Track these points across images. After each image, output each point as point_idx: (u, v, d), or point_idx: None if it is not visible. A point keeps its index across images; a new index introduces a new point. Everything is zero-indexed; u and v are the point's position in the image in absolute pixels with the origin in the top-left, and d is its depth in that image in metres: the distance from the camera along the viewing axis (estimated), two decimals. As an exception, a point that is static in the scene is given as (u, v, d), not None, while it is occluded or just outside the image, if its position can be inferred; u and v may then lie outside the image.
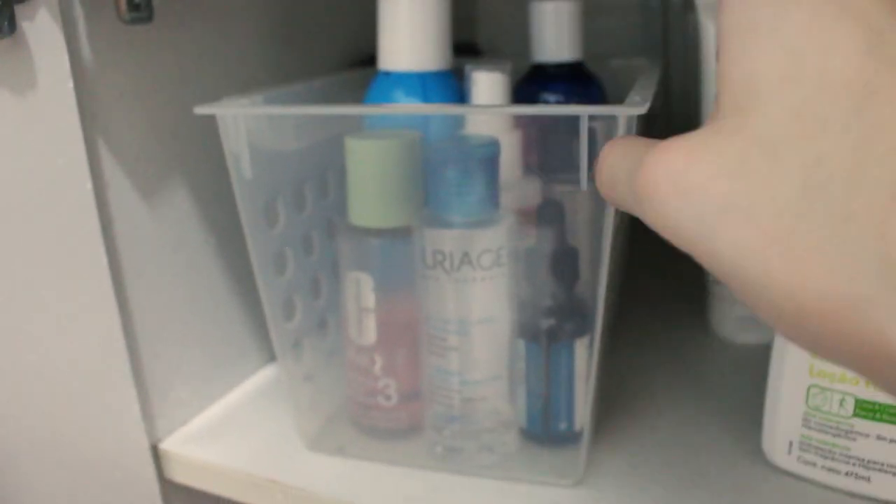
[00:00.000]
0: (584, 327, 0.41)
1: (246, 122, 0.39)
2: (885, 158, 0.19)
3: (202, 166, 0.49)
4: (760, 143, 0.21)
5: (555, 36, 0.51)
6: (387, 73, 0.46)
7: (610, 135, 0.34)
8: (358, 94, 0.48)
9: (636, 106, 0.34)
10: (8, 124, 0.37)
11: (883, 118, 0.19)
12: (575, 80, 0.52)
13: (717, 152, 0.22)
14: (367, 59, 0.55)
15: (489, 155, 0.39)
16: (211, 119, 0.40)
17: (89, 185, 0.41)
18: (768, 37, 0.22)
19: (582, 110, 0.34)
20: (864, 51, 0.20)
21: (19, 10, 0.37)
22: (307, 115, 0.43)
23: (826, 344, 0.20)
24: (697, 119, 0.56)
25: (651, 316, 0.60)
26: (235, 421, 0.50)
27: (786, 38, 0.21)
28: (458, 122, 0.43)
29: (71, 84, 0.40)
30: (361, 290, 0.43)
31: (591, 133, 0.35)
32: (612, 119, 0.34)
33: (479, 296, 0.39)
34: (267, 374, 0.56)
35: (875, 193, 0.19)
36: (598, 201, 0.46)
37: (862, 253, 0.19)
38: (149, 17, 0.43)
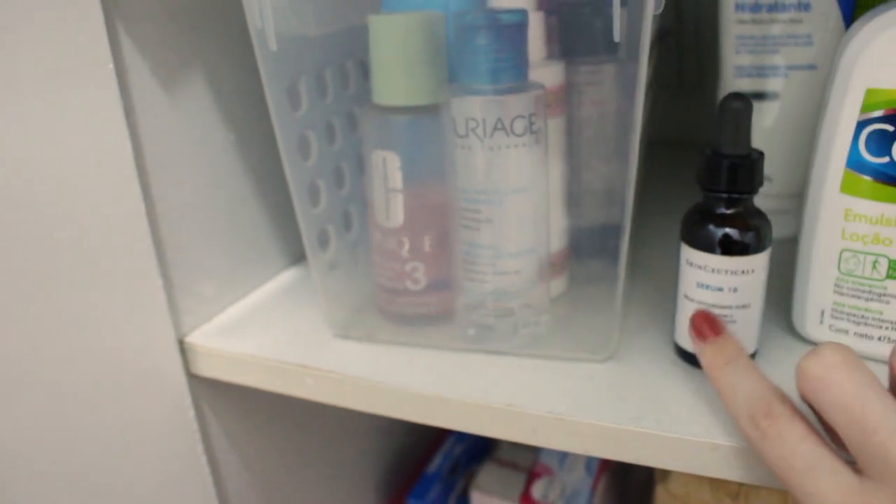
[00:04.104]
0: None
1: (270, -3, 0.39)
2: None
3: (220, 61, 0.48)
4: None
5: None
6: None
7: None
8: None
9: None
10: (31, 3, 0.36)
11: None
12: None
13: None
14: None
15: (518, 20, 0.38)
16: (229, 9, 0.40)
17: (111, 66, 0.41)
18: None
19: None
20: None
21: None
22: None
23: None
24: (712, 31, 0.56)
25: (677, 195, 0.60)
26: (260, 316, 0.50)
27: None
28: (480, 2, 0.43)
29: (90, -39, 0.39)
30: (388, 169, 0.42)
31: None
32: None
33: (512, 163, 0.39)
34: (288, 276, 0.56)
35: None
36: (621, 80, 0.46)
37: None
38: None
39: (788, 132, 0.55)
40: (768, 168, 0.55)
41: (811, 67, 0.53)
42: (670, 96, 0.82)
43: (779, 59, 0.54)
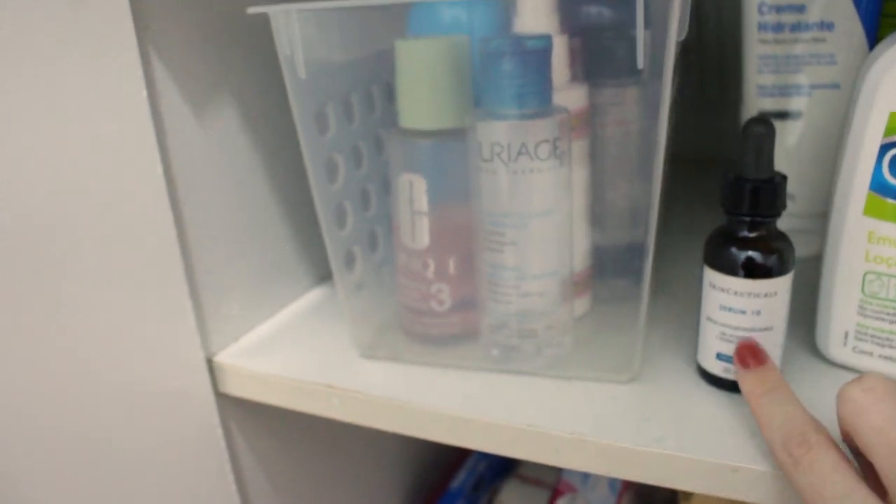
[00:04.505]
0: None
1: (298, 22, 0.40)
2: None
3: (249, 85, 0.49)
4: None
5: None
6: (431, -16, 0.46)
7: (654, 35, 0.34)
8: (401, 13, 0.48)
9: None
10: (65, 29, 0.38)
11: None
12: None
13: None
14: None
15: (543, 46, 0.39)
16: (257, 36, 0.41)
17: (144, 93, 0.42)
18: None
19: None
20: None
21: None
22: (354, 21, 0.43)
23: None
24: (734, 50, 0.56)
25: (700, 212, 0.60)
26: (287, 336, 0.51)
27: None
28: (505, 26, 0.44)
29: (124, -11, 0.40)
30: (415, 192, 0.43)
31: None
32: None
33: (536, 187, 0.40)
34: (314, 296, 0.57)
35: None
36: (643, 102, 0.46)
37: None
38: (195, -71, 0.43)
39: (812, 151, 0.55)
40: (792, 187, 0.56)
41: (835, 86, 0.53)
42: (692, 112, 0.82)
43: (802, 79, 0.54)
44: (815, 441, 0.32)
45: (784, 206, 0.39)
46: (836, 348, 0.42)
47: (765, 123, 0.37)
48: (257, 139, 0.50)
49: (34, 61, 0.36)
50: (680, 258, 0.56)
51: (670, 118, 0.47)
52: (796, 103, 0.54)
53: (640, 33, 0.34)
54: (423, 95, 0.42)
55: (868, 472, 0.31)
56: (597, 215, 0.48)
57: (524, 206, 0.40)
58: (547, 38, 0.39)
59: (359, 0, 0.38)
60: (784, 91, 0.54)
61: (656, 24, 0.35)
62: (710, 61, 0.80)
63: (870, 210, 0.39)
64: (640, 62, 0.35)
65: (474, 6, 0.45)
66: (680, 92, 0.61)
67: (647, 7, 0.35)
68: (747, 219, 0.39)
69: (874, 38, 0.52)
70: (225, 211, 0.48)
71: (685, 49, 0.72)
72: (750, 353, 0.38)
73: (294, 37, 0.40)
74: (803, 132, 0.55)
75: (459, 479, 0.75)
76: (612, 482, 0.71)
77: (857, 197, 0.39)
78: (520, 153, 0.39)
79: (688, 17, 0.35)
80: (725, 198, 0.39)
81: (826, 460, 0.31)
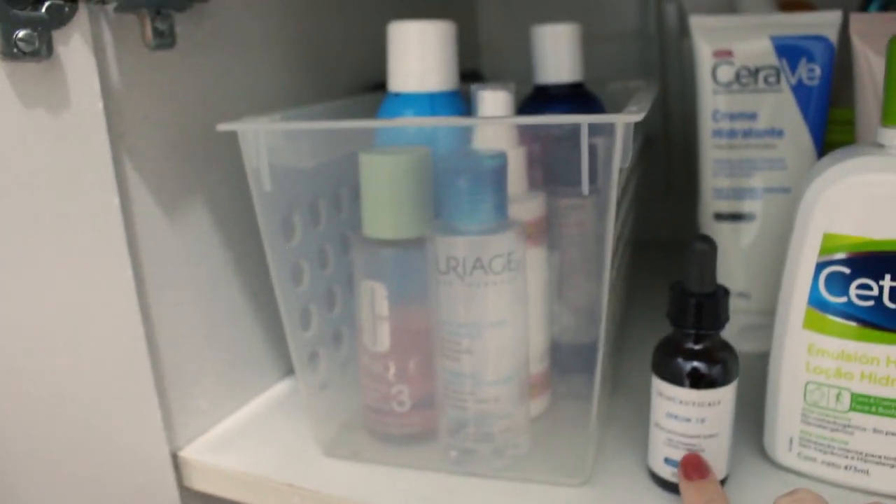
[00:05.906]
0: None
1: (265, 138, 0.42)
2: None
3: (221, 187, 0.51)
4: None
5: (556, 57, 0.54)
6: (396, 95, 0.48)
7: (610, 144, 0.37)
8: (369, 116, 0.51)
9: (633, 114, 0.36)
10: (43, 141, 0.39)
11: None
12: (576, 100, 0.55)
13: None
14: (377, 86, 0.58)
15: (498, 165, 0.41)
16: (229, 141, 0.43)
17: (116, 201, 0.43)
18: None
19: (581, 119, 0.36)
20: None
21: (56, 35, 0.39)
22: (322, 132, 0.45)
23: None
24: (694, 142, 0.59)
25: (657, 319, 0.61)
26: (252, 431, 0.52)
27: None
28: (466, 138, 0.46)
29: (101, 105, 0.42)
30: (376, 298, 0.45)
31: (592, 145, 0.37)
32: (610, 128, 0.36)
33: (491, 299, 0.41)
34: (282, 388, 0.58)
35: None
36: (599, 207, 0.48)
37: None
38: (171, 44, 0.46)
39: (766, 251, 0.57)
40: (747, 285, 0.58)
41: (786, 190, 0.56)
42: (661, 197, 0.84)
43: (755, 182, 0.56)
44: None
45: (727, 319, 0.41)
46: (782, 453, 0.43)
47: (707, 242, 0.39)
48: (227, 238, 0.52)
49: (9, 165, 0.38)
50: (641, 348, 0.57)
51: (626, 221, 0.49)
52: (750, 206, 0.57)
53: (585, 165, 0.36)
54: (384, 207, 0.44)
55: None
56: (556, 314, 0.50)
57: (479, 317, 0.42)
58: (502, 156, 0.41)
59: (322, 123, 0.40)
60: (738, 194, 0.57)
61: (606, 134, 0.37)
62: (677, 153, 0.83)
63: (809, 324, 0.41)
64: (585, 190, 0.37)
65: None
66: (646, 181, 0.64)
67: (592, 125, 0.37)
68: (692, 331, 0.40)
69: (821, 144, 0.55)
70: (194, 308, 0.50)
71: (651, 141, 0.75)
72: (693, 467, 0.40)
73: (261, 151, 0.42)
74: (757, 233, 0.57)
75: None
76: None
77: (797, 310, 0.41)
78: (475, 267, 0.41)
79: (631, 147, 0.37)
80: (672, 311, 0.41)
81: None
